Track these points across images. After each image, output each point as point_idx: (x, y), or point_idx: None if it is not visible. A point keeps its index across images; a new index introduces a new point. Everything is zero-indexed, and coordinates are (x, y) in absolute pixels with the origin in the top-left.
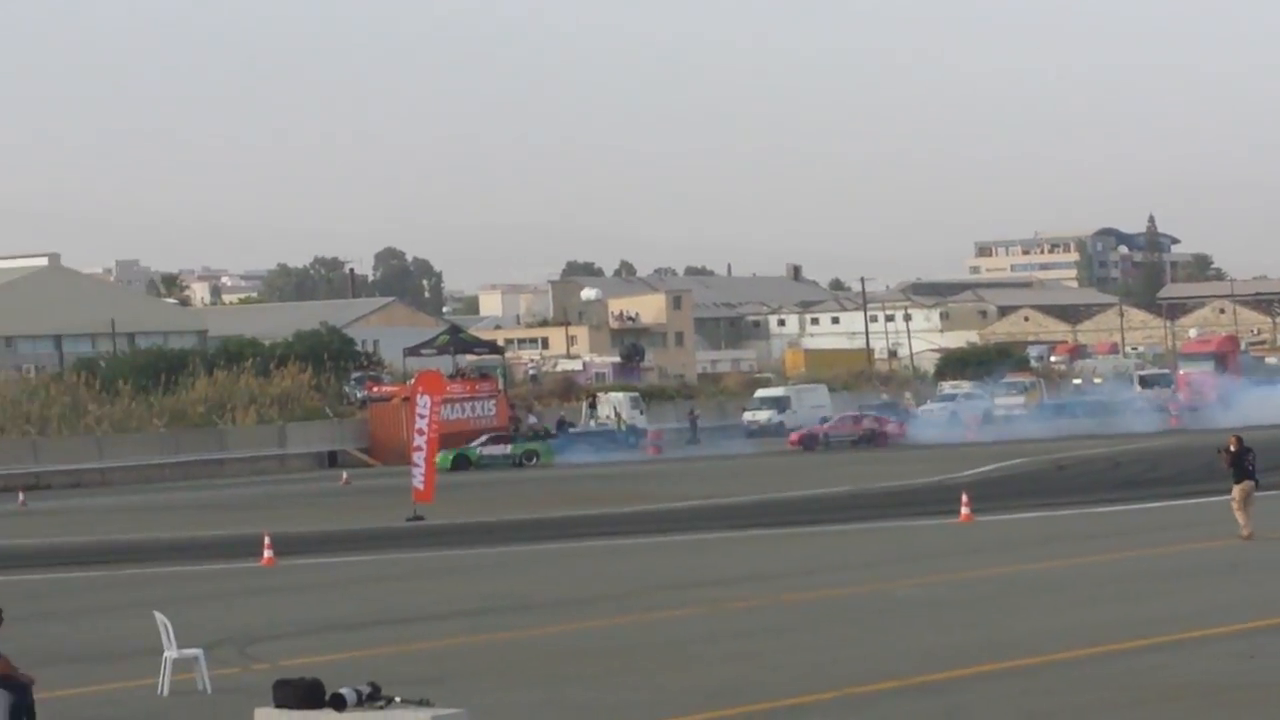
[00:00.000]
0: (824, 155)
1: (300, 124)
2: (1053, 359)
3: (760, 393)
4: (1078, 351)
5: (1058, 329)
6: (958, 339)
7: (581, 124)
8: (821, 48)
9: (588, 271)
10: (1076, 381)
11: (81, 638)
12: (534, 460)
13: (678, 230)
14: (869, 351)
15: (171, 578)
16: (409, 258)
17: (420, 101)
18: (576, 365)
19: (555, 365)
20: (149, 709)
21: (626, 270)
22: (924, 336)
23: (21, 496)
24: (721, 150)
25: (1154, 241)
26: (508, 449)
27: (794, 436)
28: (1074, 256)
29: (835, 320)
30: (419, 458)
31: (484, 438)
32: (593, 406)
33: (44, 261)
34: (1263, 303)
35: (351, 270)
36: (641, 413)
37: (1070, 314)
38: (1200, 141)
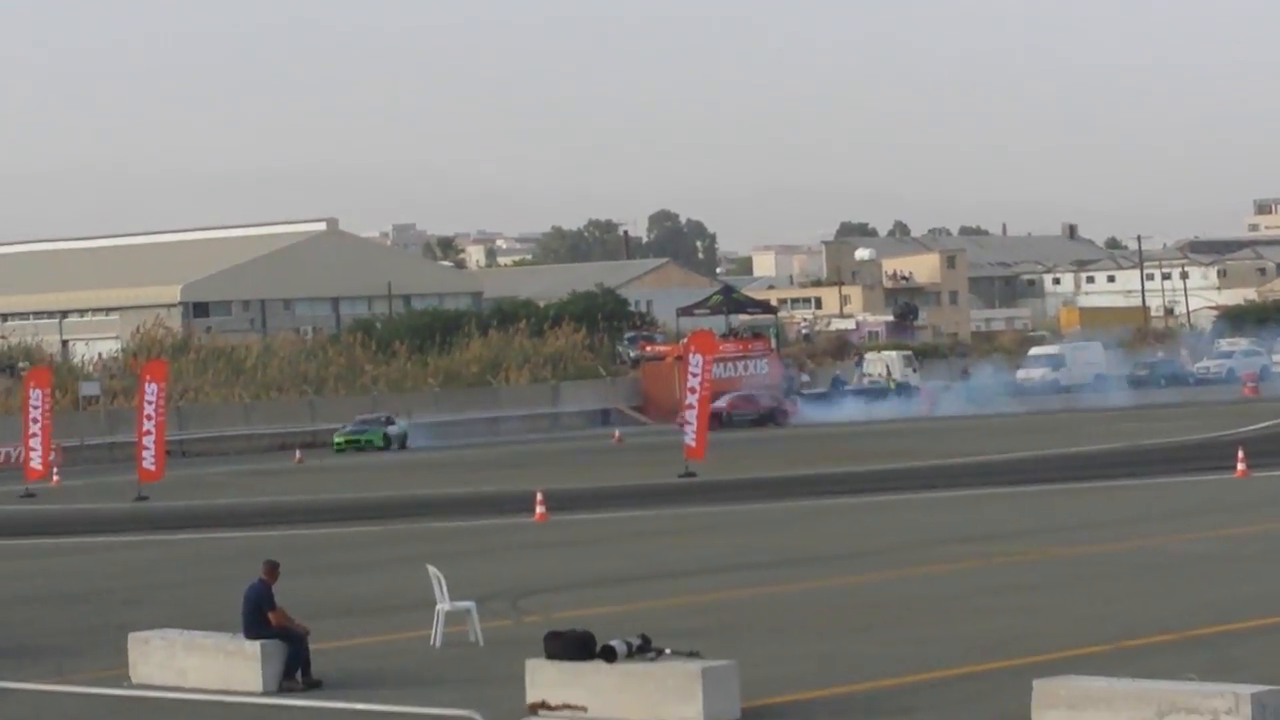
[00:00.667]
0: (1099, 113)
1: (575, 89)
2: None
3: (1034, 350)
4: None
5: None
6: (1235, 296)
7: (853, 84)
8: (1101, 2)
9: (861, 232)
10: None
11: (356, 591)
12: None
13: (952, 190)
14: (1145, 310)
15: (445, 533)
16: (683, 220)
17: (689, 66)
18: (849, 324)
19: (828, 324)
20: (422, 660)
21: (900, 230)
22: (1201, 294)
23: (299, 454)
24: (996, 110)
25: None
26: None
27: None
28: None
29: (1111, 279)
30: (691, 415)
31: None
32: (859, 364)
33: (322, 226)
34: None
35: (625, 232)
36: (914, 370)
37: None
38: None
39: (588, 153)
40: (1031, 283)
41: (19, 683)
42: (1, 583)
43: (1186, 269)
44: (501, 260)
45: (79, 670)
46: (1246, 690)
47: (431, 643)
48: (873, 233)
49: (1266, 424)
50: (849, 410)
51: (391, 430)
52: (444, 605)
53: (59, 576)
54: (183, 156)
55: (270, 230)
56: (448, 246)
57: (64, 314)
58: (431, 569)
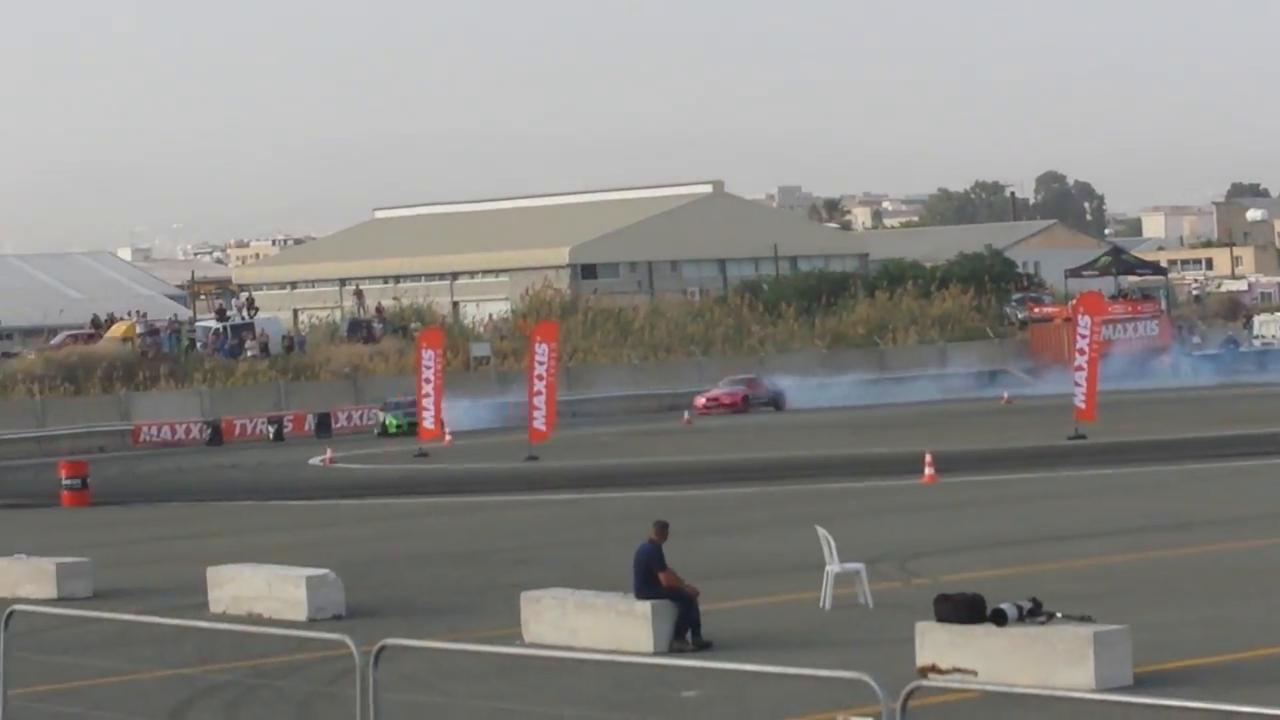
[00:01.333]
0: None
1: (955, 51)
2: None
3: None
4: None
5: None
6: None
7: (1237, 42)
8: None
9: (1253, 193)
10: None
11: (745, 552)
12: None
13: None
14: None
15: (832, 494)
16: (1070, 181)
17: (1071, 31)
18: (1241, 286)
19: (1219, 286)
20: (812, 621)
21: None
22: None
23: (686, 414)
24: None
25: None
26: None
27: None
28: None
29: None
30: (1080, 377)
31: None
32: (1247, 326)
33: (708, 189)
34: None
35: (1013, 194)
36: None
37: None
38: None
39: (973, 115)
40: None
41: (415, 640)
42: (397, 541)
43: None
44: (887, 222)
45: (472, 628)
46: None
47: (821, 604)
48: (1264, 193)
49: None
50: (1242, 372)
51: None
52: (833, 567)
53: (452, 535)
54: (571, 121)
55: (657, 193)
56: (833, 208)
57: (455, 276)
58: (821, 530)
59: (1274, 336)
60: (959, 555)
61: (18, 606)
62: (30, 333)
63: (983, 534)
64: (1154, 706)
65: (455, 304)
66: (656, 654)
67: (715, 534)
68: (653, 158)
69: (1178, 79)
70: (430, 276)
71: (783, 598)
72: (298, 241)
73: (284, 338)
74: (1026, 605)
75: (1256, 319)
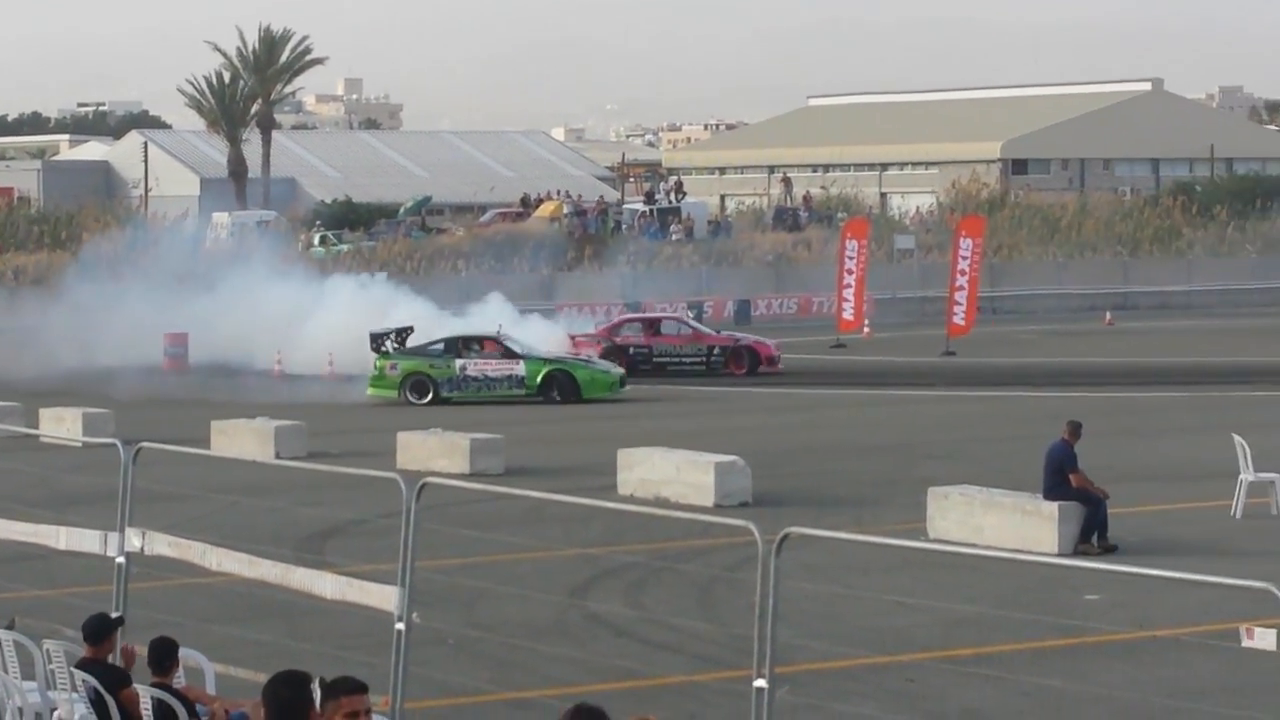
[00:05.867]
0: None
1: None
2: None
3: None
4: None
5: None
6: None
7: None
8: None
9: None
10: None
11: (1158, 457)
12: None
13: None
14: None
15: (1253, 400)
16: None
17: None
18: None
19: None
20: (1221, 530)
21: None
22: None
23: (1109, 315)
24: None
25: None
26: None
27: None
28: None
29: None
30: None
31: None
32: None
33: (1147, 86)
34: None
35: None
36: None
37: None
38: None
39: None
40: None
41: (819, 530)
42: (810, 432)
43: None
44: None
45: (877, 521)
46: None
47: (1231, 513)
48: None
49: None
50: None
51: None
52: (1247, 475)
53: (865, 428)
54: (1012, 11)
55: (1093, 89)
56: (1275, 111)
57: (884, 166)
58: (1237, 438)
59: None
60: None
61: (430, 479)
62: (461, 209)
63: None
64: None
65: (883, 195)
66: (1061, 555)
67: (1130, 436)
68: (1092, 53)
69: None
70: (859, 167)
71: (1194, 505)
72: (729, 127)
73: (709, 223)
74: None
75: None
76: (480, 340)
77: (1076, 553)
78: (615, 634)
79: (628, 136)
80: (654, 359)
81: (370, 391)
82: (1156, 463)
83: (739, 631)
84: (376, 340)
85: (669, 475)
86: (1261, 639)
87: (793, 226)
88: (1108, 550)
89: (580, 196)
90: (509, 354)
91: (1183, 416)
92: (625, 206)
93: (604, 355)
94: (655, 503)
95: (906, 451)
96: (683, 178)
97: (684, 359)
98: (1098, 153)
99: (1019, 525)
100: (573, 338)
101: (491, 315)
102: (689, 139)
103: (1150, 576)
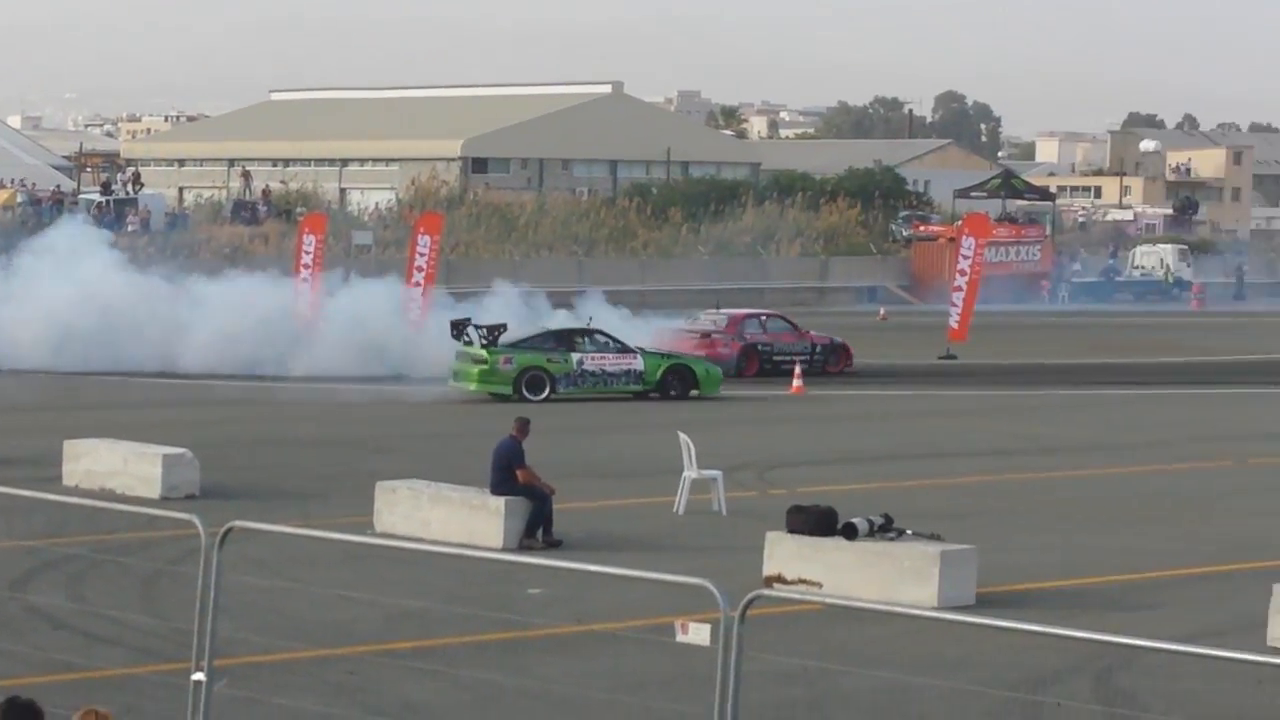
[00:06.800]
0: None
1: None
2: None
3: None
4: None
5: None
6: None
7: None
8: None
9: (1149, 123)
10: None
11: (610, 454)
12: None
13: (1244, 85)
14: None
15: (705, 403)
16: (969, 101)
17: None
18: (1127, 215)
19: (1105, 215)
20: (664, 526)
21: (1189, 124)
22: None
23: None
24: None
25: None
26: None
27: None
28: None
29: None
30: (958, 298)
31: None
32: (1113, 256)
33: (607, 89)
34: None
35: (910, 111)
36: (1189, 265)
37: None
38: None
39: (875, 27)
40: None
41: (263, 524)
42: (263, 425)
43: None
44: (784, 133)
45: (326, 514)
46: None
47: (675, 510)
48: (1160, 124)
49: None
50: (1118, 301)
51: None
52: (691, 473)
53: (325, 422)
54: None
55: (555, 90)
56: (730, 116)
57: (344, 162)
58: (682, 436)
59: (1151, 268)
60: (819, 468)
61: None
62: None
63: (845, 447)
64: (985, 627)
65: (343, 191)
66: (505, 550)
67: (582, 434)
68: (557, 56)
69: (1085, 5)
70: (320, 162)
71: (639, 501)
72: (191, 119)
73: (166, 214)
74: (878, 520)
75: (1138, 249)
76: (587, 333)
77: (521, 548)
78: (54, 626)
79: (86, 126)
80: (773, 358)
81: (473, 387)
82: (607, 459)
83: (180, 625)
84: (458, 328)
85: (116, 467)
86: (695, 634)
87: (251, 220)
88: (552, 545)
89: (35, 185)
90: (623, 348)
91: (635, 415)
92: (81, 196)
93: (741, 355)
94: (100, 495)
95: (358, 446)
96: (141, 169)
97: (795, 356)
98: (557, 153)
99: (466, 520)
100: (693, 333)
101: None
102: (149, 130)
103: (590, 572)
